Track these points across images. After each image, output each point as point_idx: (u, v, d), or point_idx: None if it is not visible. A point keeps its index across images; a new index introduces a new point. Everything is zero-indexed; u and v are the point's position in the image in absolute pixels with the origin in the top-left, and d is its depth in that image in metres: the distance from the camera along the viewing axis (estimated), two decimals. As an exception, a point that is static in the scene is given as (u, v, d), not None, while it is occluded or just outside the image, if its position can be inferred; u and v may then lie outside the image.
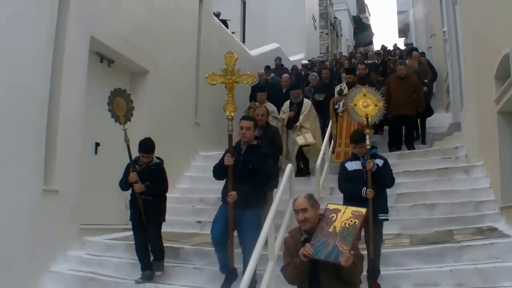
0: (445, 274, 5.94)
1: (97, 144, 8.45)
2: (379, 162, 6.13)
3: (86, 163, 7.87)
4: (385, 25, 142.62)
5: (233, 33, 16.87)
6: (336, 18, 38.26)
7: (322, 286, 4.27)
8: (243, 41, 20.83)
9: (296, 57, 21.57)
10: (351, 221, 4.38)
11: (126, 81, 9.52)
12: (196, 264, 6.38)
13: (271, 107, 10.11)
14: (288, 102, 10.67)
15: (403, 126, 11.47)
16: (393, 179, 6.31)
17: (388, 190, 8.87)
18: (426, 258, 6.32)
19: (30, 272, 6.47)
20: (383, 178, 6.13)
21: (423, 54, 17.14)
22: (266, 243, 5.65)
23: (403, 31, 45.24)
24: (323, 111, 11.70)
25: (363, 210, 4.51)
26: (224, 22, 15.87)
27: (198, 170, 11.06)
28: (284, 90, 12.92)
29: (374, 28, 66.91)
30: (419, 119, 12.48)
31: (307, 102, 10.61)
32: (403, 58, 15.92)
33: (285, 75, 14.11)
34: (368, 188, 5.92)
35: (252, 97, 11.64)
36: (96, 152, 8.45)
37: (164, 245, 6.68)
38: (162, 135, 9.87)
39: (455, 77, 11.24)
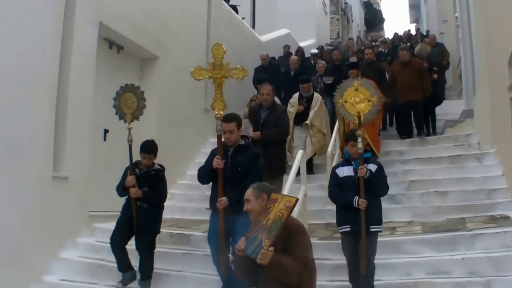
0: (457, 262, 5.93)
1: (106, 131, 8.43)
2: (372, 167, 5.58)
3: (95, 150, 7.86)
4: (396, 10, 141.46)
5: (243, 18, 16.76)
6: (347, 3, 37.93)
7: (261, 284, 3.96)
8: (253, 27, 20.67)
9: (306, 42, 21.39)
10: (281, 213, 3.94)
11: (135, 67, 9.51)
12: (206, 251, 6.34)
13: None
14: (297, 94, 10.02)
15: (412, 112, 11.02)
16: (387, 187, 5.71)
17: (400, 177, 9.00)
18: (438, 246, 6.30)
19: (40, 259, 6.47)
20: (375, 185, 5.54)
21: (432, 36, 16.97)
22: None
23: (415, 16, 44.85)
24: (331, 96, 11.30)
25: (292, 200, 4.03)
26: (234, 7, 15.79)
27: (208, 156, 11.00)
28: (292, 73, 12.73)
29: (385, 14, 66.40)
30: (427, 108, 11.68)
31: (317, 97, 9.96)
32: (415, 42, 15.64)
33: (294, 57, 13.68)
34: (360, 197, 5.40)
35: (256, 81, 11.24)
36: (105, 139, 8.44)
37: (175, 232, 6.63)
38: (172, 122, 9.86)
39: (468, 63, 11.17)
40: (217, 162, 5.54)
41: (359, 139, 5.55)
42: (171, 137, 9.45)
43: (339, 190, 5.68)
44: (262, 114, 7.77)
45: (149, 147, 6.24)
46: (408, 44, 17.20)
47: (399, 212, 7.79)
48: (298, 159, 7.16)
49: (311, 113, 9.69)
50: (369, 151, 5.97)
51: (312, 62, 16.01)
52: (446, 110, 13.21)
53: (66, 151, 7.06)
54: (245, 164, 5.70)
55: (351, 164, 5.68)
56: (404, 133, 11.02)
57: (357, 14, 42.48)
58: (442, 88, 13.50)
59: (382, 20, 52.44)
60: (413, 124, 11.11)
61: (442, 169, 9.00)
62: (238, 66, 5.85)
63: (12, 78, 6.14)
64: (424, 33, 23.86)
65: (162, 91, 9.65)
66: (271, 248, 3.75)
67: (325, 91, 11.67)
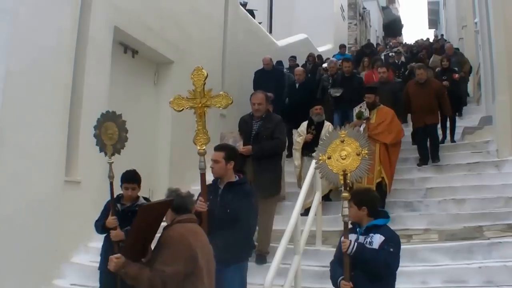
0: (474, 271, 5.90)
1: (120, 135, 8.40)
2: (377, 239, 4.40)
3: (109, 154, 7.84)
4: (415, 16, 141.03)
5: (260, 23, 16.77)
6: (365, 8, 37.93)
7: None
8: (270, 32, 20.69)
9: (324, 48, 21.39)
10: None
11: (150, 72, 9.51)
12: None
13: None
14: (305, 123, 8.85)
15: (428, 137, 9.89)
16: (387, 267, 4.34)
17: (417, 184, 8.92)
18: (454, 255, 6.28)
19: (52, 263, 6.48)
20: (368, 263, 4.32)
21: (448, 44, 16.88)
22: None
23: (433, 22, 44.70)
24: (340, 110, 10.66)
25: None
26: (251, 12, 15.83)
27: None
28: (297, 85, 11.51)
29: (403, 19, 66.23)
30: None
31: (328, 126, 8.66)
32: (431, 54, 15.26)
33: (299, 68, 12.24)
34: (344, 278, 4.32)
35: (256, 85, 10.67)
36: (118, 143, 8.42)
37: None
38: (187, 127, 9.80)
39: (487, 70, 11.08)
40: (200, 205, 4.84)
41: (346, 204, 4.50)
42: (186, 142, 9.41)
43: (337, 264, 4.58)
44: (254, 125, 6.98)
45: (131, 175, 5.61)
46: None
47: (416, 219, 7.75)
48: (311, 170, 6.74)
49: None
50: (380, 218, 4.62)
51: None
52: (465, 116, 13.11)
53: (79, 155, 7.07)
54: (235, 205, 4.94)
55: (355, 231, 4.61)
56: (420, 159, 9.90)
57: (376, 19, 42.47)
58: (465, 95, 13.27)
59: (400, 26, 52.25)
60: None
61: (460, 177, 8.94)
62: (221, 93, 5.19)
63: (27, 82, 6.15)
64: (439, 37, 23.81)
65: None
66: (118, 255, 3.71)
67: (333, 104, 10.94)
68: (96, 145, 5.49)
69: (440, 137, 10.66)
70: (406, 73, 13.67)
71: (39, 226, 6.26)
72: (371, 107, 8.52)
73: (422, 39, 24.80)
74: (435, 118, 9.93)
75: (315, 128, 8.61)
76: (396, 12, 54.26)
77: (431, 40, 25.47)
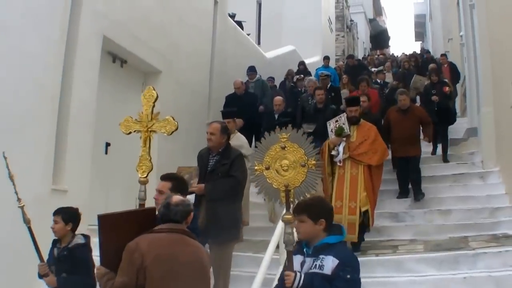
0: (459, 281, 5.92)
1: (108, 144, 8.39)
2: (330, 262, 3.53)
3: (96, 163, 7.83)
4: (402, 28, 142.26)
5: (248, 34, 16.84)
6: (353, 21, 38.17)
7: None
8: (259, 43, 20.80)
9: (312, 59, 21.45)
10: None
11: (138, 81, 9.50)
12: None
13: (239, 140, 7.93)
14: None
15: (409, 169, 8.98)
16: None
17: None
18: (440, 265, 6.30)
19: (37, 271, 6.43)
20: None
21: (443, 55, 16.72)
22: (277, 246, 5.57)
23: (420, 34, 45.10)
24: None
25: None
26: (240, 23, 15.87)
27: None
28: (276, 116, 10.05)
29: (390, 32, 66.72)
30: (440, 129, 10.34)
31: None
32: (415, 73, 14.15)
33: (278, 98, 10.51)
34: None
35: (224, 114, 8.79)
36: (106, 152, 8.41)
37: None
38: (174, 136, 9.81)
39: (472, 82, 11.21)
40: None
41: (294, 229, 3.81)
42: (173, 151, 9.44)
43: None
44: (210, 160, 6.25)
45: (58, 209, 5.20)
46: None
47: (401, 230, 7.83)
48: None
49: None
50: (331, 235, 3.70)
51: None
52: (450, 128, 13.17)
53: (66, 164, 7.04)
54: None
55: (302, 252, 3.76)
56: (400, 192, 9.07)
57: (363, 32, 42.74)
58: (454, 107, 12.51)
59: (387, 38, 52.65)
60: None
61: (445, 188, 9.05)
62: (168, 117, 4.64)
63: (14, 89, 6.13)
64: (422, 51, 23.76)
65: (164, 105, 9.60)
66: (98, 266, 3.74)
67: None
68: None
69: (430, 148, 10.51)
70: (387, 91, 12.84)
71: (25, 234, 6.22)
72: (355, 122, 7.59)
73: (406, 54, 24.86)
74: (417, 150, 9.06)
75: None
76: (383, 24, 54.65)
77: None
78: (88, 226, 7.47)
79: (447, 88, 10.69)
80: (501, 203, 7.99)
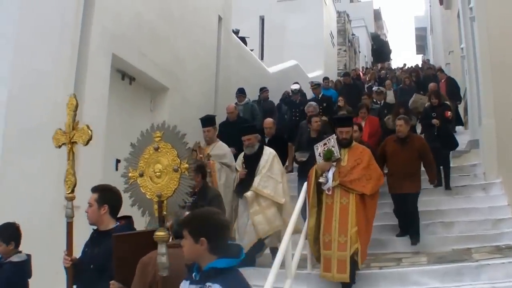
0: None
1: (118, 161, 8.52)
2: None
3: (107, 179, 7.92)
4: (403, 41, 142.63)
5: (251, 50, 17.03)
6: (354, 35, 38.44)
7: None
8: (262, 58, 21.01)
9: (314, 73, 21.63)
10: None
11: (146, 98, 9.67)
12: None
13: (221, 149, 7.60)
14: (242, 155, 7.44)
15: (407, 207, 7.91)
16: None
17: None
18: (443, 277, 6.31)
19: (51, 286, 6.52)
20: None
21: (440, 70, 16.61)
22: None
23: (421, 48, 45.23)
24: (305, 178, 7.16)
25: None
26: (243, 39, 16.04)
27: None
28: (266, 140, 9.28)
29: (391, 45, 66.89)
30: (441, 154, 9.36)
31: (268, 154, 7.17)
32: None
33: (268, 121, 9.79)
34: None
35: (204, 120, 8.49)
36: (116, 169, 8.53)
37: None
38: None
39: (473, 94, 11.22)
40: (64, 261, 4.23)
41: (162, 250, 3.17)
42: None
43: None
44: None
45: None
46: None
47: (404, 242, 7.79)
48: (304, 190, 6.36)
49: (257, 178, 6.96)
50: (220, 258, 2.92)
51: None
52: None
53: (77, 180, 7.16)
54: (99, 261, 4.05)
55: (192, 280, 3.01)
56: (400, 230, 8.08)
57: (364, 45, 43.01)
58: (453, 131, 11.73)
59: (389, 51, 52.87)
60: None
61: (448, 200, 9.01)
62: (83, 126, 4.23)
63: (26, 106, 6.28)
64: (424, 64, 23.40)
65: (172, 121, 9.70)
66: (112, 282, 3.71)
67: (298, 170, 9.32)
68: None
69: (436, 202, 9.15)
70: (382, 103, 12.32)
71: (38, 250, 6.33)
72: (346, 145, 6.76)
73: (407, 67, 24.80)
74: (415, 186, 7.91)
75: (248, 162, 7.17)
76: (384, 38, 54.91)
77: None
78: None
79: (449, 113, 9.86)
80: (503, 215, 8.01)
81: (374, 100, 12.83)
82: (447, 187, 9.29)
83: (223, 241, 2.99)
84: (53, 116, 6.72)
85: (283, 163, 7.65)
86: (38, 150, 6.41)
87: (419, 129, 11.09)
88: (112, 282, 3.74)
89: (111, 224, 4.22)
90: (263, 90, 13.36)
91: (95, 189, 4.34)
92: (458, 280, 6.19)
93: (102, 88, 7.78)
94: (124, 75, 8.89)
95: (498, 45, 8.77)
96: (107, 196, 4.23)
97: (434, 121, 9.67)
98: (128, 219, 4.35)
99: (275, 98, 14.18)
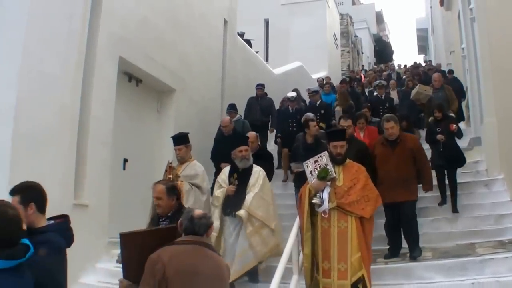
0: (467, 287, 5.98)
1: (125, 160, 8.66)
2: None
3: (115, 178, 8.07)
4: (405, 42, 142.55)
5: (256, 52, 17.11)
6: (357, 36, 38.48)
7: None
8: (267, 60, 21.09)
9: (318, 74, 21.68)
10: None
11: (153, 100, 9.79)
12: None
13: (193, 169, 7.05)
14: (227, 169, 6.92)
15: (400, 220, 7.02)
16: None
17: None
18: (448, 271, 6.34)
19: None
20: None
21: (450, 72, 16.43)
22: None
23: (423, 48, 45.21)
24: (299, 189, 6.56)
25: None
26: (248, 41, 16.12)
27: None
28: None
29: (394, 46, 66.90)
30: (446, 171, 8.66)
31: (258, 172, 6.69)
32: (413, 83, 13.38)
33: (251, 134, 8.45)
34: None
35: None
36: (124, 168, 8.66)
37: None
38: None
39: (475, 93, 11.25)
40: None
41: None
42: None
43: None
44: (160, 225, 5.17)
45: None
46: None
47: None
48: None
49: (249, 197, 6.43)
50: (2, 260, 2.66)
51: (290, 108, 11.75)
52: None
53: (86, 179, 7.29)
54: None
55: None
56: (389, 250, 7.18)
57: (367, 47, 43.07)
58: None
59: (391, 52, 52.92)
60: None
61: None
62: None
63: (35, 110, 6.41)
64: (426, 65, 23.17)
65: (178, 123, 9.84)
66: (120, 278, 3.86)
67: (294, 181, 8.60)
68: None
69: (438, 199, 8.69)
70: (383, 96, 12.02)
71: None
72: (340, 161, 6.01)
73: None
74: (410, 193, 6.96)
75: (238, 177, 6.67)
76: (386, 39, 54.96)
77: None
78: (108, 239, 7.75)
79: (454, 126, 8.76)
80: (506, 210, 8.02)
81: (375, 94, 12.78)
82: (454, 209, 8.30)
83: (14, 232, 2.73)
84: (61, 118, 6.87)
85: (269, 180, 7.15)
86: (46, 152, 6.54)
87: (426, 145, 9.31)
88: (120, 279, 3.85)
89: (42, 221, 3.58)
90: (257, 87, 12.55)
91: (14, 191, 3.63)
92: (463, 275, 6.22)
93: (109, 90, 7.91)
94: (131, 77, 9.01)
95: (498, 45, 8.82)
96: (29, 195, 3.63)
97: (439, 136, 8.77)
98: (65, 217, 3.89)
99: (278, 100, 14.15)
